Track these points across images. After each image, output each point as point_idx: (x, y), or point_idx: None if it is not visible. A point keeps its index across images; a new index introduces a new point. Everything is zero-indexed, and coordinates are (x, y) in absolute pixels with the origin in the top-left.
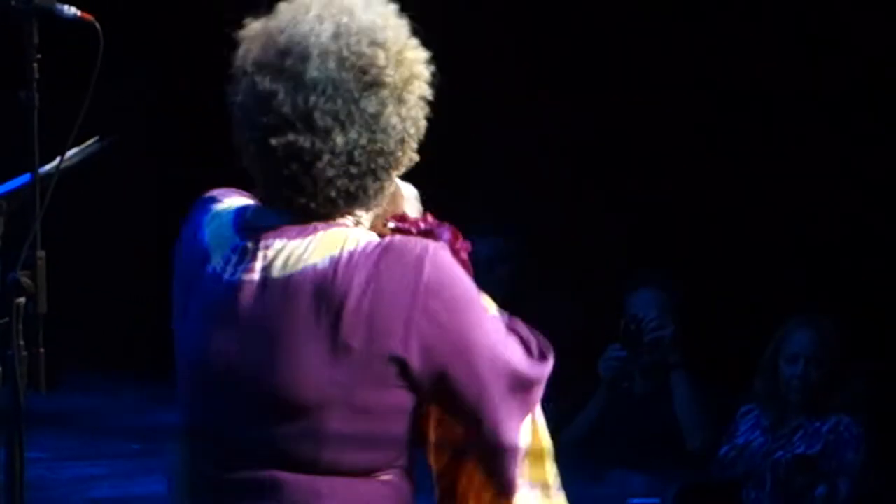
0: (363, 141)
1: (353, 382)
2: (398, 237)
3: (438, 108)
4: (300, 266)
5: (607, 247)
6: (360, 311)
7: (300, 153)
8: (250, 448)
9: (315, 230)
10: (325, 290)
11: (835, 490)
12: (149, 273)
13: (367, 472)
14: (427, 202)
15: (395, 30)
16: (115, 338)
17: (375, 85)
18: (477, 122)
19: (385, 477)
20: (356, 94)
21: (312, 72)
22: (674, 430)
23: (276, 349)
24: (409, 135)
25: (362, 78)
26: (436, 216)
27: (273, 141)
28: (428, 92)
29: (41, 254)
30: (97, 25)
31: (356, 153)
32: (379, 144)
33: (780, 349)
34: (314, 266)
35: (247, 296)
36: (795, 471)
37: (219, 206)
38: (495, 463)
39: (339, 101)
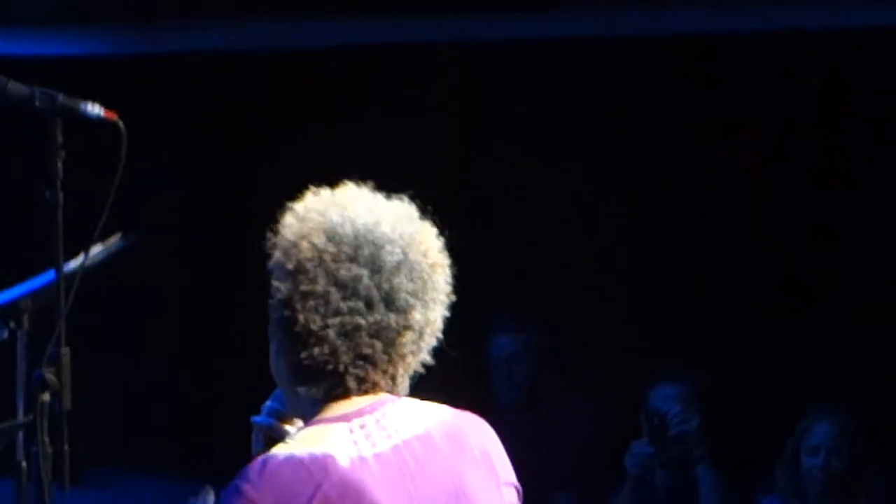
0: (432, 317)
1: None
2: None
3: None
4: (428, 423)
5: (626, 342)
6: (491, 451)
7: (385, 332)
8: None
9: (396, 400)
10: (462, 436)
11: None
12: (171, 370)
13: None
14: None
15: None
16: (139, 434)
17: (436, 264)
18: (491, 218)
19: None
20: (427, 275)
21: (388, 257)
22: None
23: (455, 492)
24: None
25: (427, 259)
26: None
27: (360, 321)
28: None
29: (65, 351)
30: (121, 124)
31: (426, 330)
32: (439, 321)
33: (801, 440)
34: (440, 420)
35: (401, 458)
36: None
37: (283, 453)
38: None
39: (417, 282)
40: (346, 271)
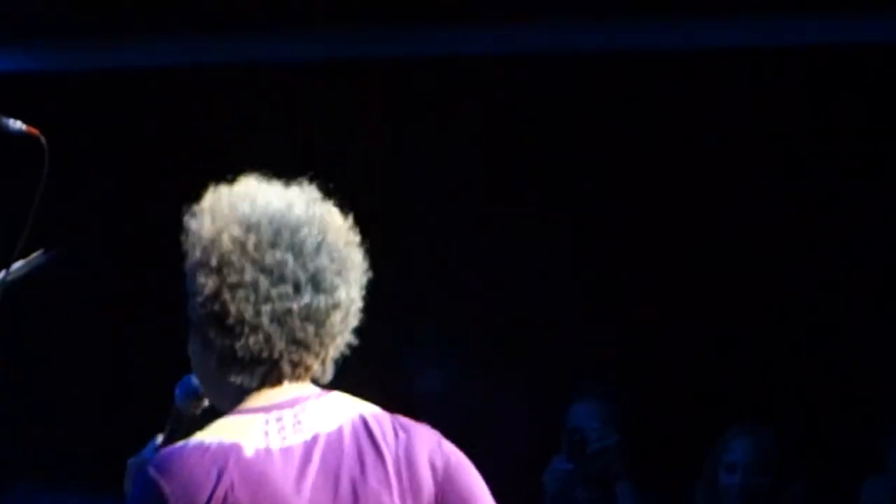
0: (354, 296)
1: None
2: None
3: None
4: (343, 420)
5: (546, 359)
6: (413, 463)
7: (316, 313)
8: None
9: (322, 395)
10: (374, 439)
11: None
12: (95, 385)
13: None
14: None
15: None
16: (61, 449)
17: (350, 242)
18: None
19: None
20: (345, 253)
21: (308, 239)
22: None
23: (346, 494)
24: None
25: (342, 238)
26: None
27: (291, 305)
28: None
29: None
30: (42, 140)
31: (352, 308)
32: (359, 300)
33: (719, 459)
34: (356, 418)
35: (306, 454)
36: None
37: (194, 442)
38: None
39: (337, 261)
40: (270, 257)
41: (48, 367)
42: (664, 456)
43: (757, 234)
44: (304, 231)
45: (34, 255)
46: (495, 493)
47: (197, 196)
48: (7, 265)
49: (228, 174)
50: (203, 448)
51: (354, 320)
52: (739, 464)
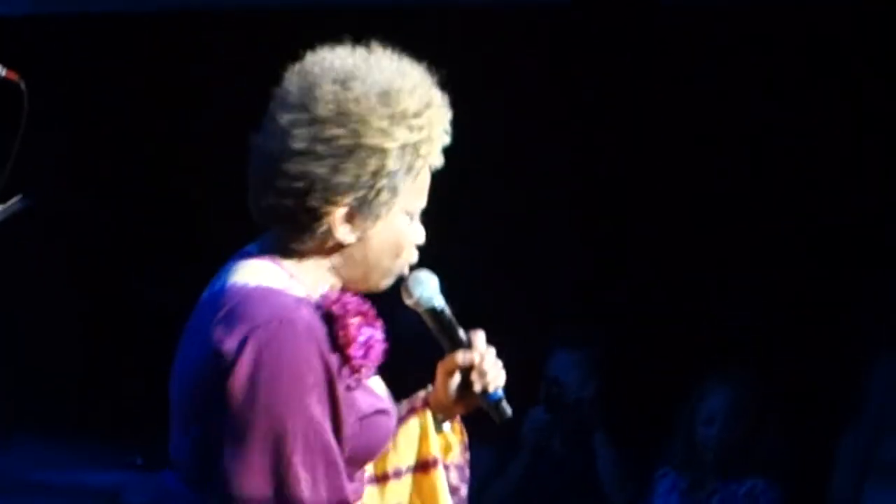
0: (290, 169)
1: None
2: (262, 289)
3: None
4: (213, 288)
5: (525, 309)
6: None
7: (255, 150)
8: None
9: (251, 258)
10: (203, 310)
11: None
12: (69, 330)
13: None
14: None
15: (367, 73)
16: (37, 397)
17: (330, 121)
18: None
19: None
20: (290, 113)
21: (284, 88)
22: (595, 490)
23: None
24: (339, 167)
25: (327, 105)
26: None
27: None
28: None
29: None
30: (22, 84)
31: (276, 164)
32: (311, 169)
33: (695, 410)
34: (216, 290)
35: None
36: None
37: None
38: None
39: (291, 113)
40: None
41: (18, 316)
42: (643, 408)
43: (731, 189)
44: (290, 79)
45: (12, 200)
46: (475, 441)
47: (186, 138)
48: None
49: (219, 119)
50: None
51: (284, 183)
52: (717, 414)
